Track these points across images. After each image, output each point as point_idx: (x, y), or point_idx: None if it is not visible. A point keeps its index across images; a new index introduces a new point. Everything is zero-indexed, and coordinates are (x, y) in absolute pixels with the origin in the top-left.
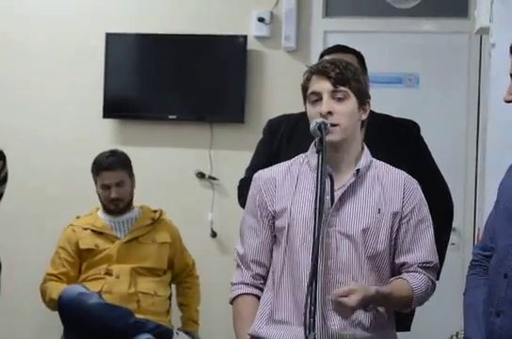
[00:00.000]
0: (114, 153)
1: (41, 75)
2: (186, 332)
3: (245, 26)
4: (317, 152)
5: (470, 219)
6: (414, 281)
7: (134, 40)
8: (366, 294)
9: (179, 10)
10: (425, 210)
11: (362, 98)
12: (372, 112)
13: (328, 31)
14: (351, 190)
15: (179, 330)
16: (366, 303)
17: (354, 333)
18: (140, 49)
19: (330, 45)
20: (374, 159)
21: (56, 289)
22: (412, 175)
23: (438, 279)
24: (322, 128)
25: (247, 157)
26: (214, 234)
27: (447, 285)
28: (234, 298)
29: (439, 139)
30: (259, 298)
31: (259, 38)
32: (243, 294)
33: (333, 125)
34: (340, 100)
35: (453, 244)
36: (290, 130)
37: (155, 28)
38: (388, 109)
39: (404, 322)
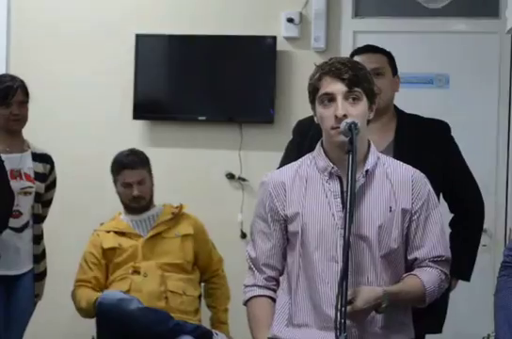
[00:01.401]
0: (133, 151)
1: (72, 77)
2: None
3: (274, 27)
4: (347, 152)
5: (501, 221)
6: (425, 276)
7: (164, 42)
8: (371, 294)
9: (208, 11)
10: (434, 204)
11: (372, 98)
12: (402, 112)
13: (358, 31)
14: (361, 191)
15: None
16: (374, 304)
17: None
18: (170, 50)
19: (360, 46)
20: (380, 155)
21: (85, 297)
22: (443, 176)
23: (469, 279)
24: (352, 128)
25: (276, 158)
26: (243, 235)
27: (478, 287)
28: (248, 301)
29: (469, 140)
30: (272, 299)
31: (288, 38)
32: (256, 296)
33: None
34: (353, 101)
35: (484, 245)
36: (319, 131)
37: (185, 29)
38: (418, 110)
39: (436, 324)
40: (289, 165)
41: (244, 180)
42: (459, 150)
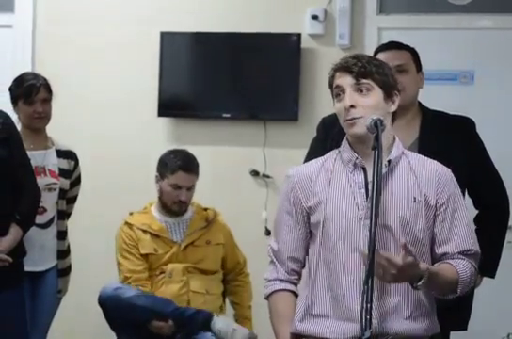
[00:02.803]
0: (190, 156)
1: (98, 75)
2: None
3: (299, 24)
4: (373, 148)
5: None
6: (459, 265)
7: (188, 39)
8: (417, 264)
9: (233, 9)
10: (460, 198)
11: (389, 90)
12: (426, 109)
13: (383, 28)
14: (384, 182)
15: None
16: (414, 276)
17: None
18: (195, 48)
19: (384, 42)
20: (406, 150)
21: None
22: (468, 173)
23: (493, 276)
24: (378, 125)
25: (300, 155)
26: (268, 232)
27: (503, 284)
28: (270, 295)
29: (494, 136)
30: (294, 293)
31: (313, 35)
32: (278, 290)
33: (357, 118)
34: (363, 92)
35: (509, 242)
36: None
37: (209, 27)
38: (443, 106)
39: (461, 322)
40: (315, 159)
41: (268, 177)
42: (484, 146)
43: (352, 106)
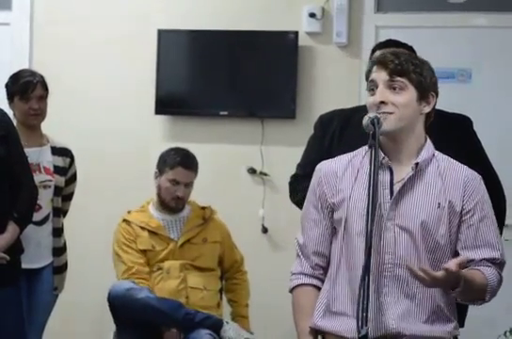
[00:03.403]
0: (190, 154)
1: (95, 73)
2: None
3: (296, 22)
4: (369, 146)
5: None
6: (487, 272)
7: (185, 37)
8: (456, 273)
9: (230, 6)
10: (489, 205)
11: (424, 91)
12: None
13: (380, 26)
14: (410, 184)
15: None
16: (455, 282)
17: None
18: (192, 45)
19: (382, 40)
20: (437, 153)
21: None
22: None
23: None
24: (375, 122)
25: (298, 153)
26: (265, 230)
27: (503, 282)
28: (294, 289)
29: (491, 135)
30: (318, 288)
31: (310, 33)
32: (302, 284)
33: (387, 113)
34: (395, 90)
35: (507, 240)
36: (342, 126)
37: (207, 25)
38: (440, 104)
39: (458, 319)
40: (344, 155)
41: (265, 175)
42: (481, 145)
43: (382, 102)
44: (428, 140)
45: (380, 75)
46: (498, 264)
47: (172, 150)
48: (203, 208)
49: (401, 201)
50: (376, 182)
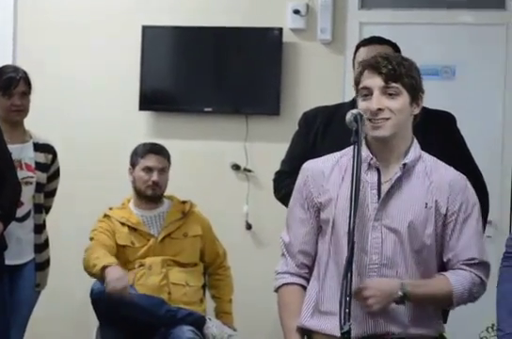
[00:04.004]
0: (159, 144)
1: (78, 69)
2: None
3: (280, 19)
4: (353, 143)
5: (506, 212)
6: (454, 277)
7: (170, 33)
8: (382, 282)
9: (214, 3)
10: (474, 208)
11: (415, 93)
12: None
13: (364, 23)
14: (398, 184)
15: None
16: (389, 292)
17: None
18: (176, 42)
19: (366, 37)
20: (423, 153)
21: (99, 260)
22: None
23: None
24: (358, 119)
25: (282, 150)
26: (249, 227)
27: None
28: (279, 288)
29: (475, 131)
30: (303, 287)
31: (294, 30)
32: (287, 283)
33: (384, 119)
34: (391, 96)
35: (489, 237)
36: (325, 122)
37: (191, 21)
38: (424, 101)
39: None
40: (331, 154)
41: (249, 171)
42: (464, 141)
43: (379, 109)
44: (415, 141)
45: (375, 82)
46: (475, 264)
47: (140, 144)
48: (184, 202)
49: (389, 201)
50: (358, 178)
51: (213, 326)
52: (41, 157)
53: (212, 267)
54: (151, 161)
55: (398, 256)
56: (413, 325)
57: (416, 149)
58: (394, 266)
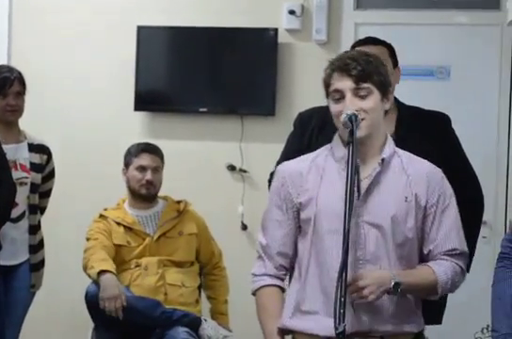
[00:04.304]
0: (153, 144)
1: (74, 69)
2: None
3: (275, 19)
4: (347, 143)
5: (501, 213)
6: (437, 266)
7: (165, 33)
8: (375, 272)
9: (210, 3)
10: (451, 199)
11: (385, 89)
12: (402, 105)
13: (359, 23)
14: (377, 180)
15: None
16: (382, 282)
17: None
18: (171, 42)
19: (361, 38)
20: (397, 148)
21: (97, 263)
22: (443, 168)
23: (468, 270)
24: (353, 120)
25: (277, 150)
26: (244, 227)
27: (478, 279)
28: (257, 290)
29: (470, 132)
30: (282, 289)
31: (290, 30)
32: (266, 285)
33: (359, 121)
34: (363, 97)
35: (484, 237)
36: (321, 123)
37: (186, 21)
38: (419, 102)
39: (435, 316)
40: (306, 155)
41: (245, 172)
42: (459, 142)
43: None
44: (389, 136)
45: (346, 84)
46: (457, 255)
47: (134, 144)
48: (178, 202)
49: (369, 197)
50: (353, 179)
51: (208, 327)
52: (36, 158)
53: (207, 267)
54: (144, 160)
55: (381, 251)
56: (396, 322)
57: (391, 144)
58: (378, 261)
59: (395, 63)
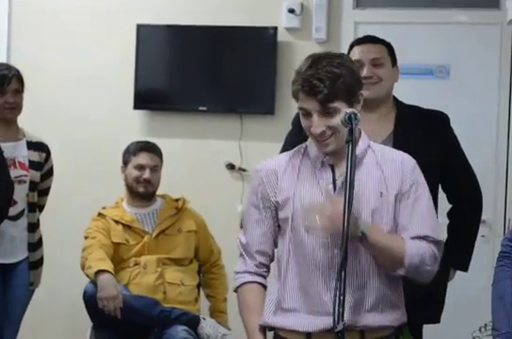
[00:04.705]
0: (152, 142)
1: (73, 67)
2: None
3: (275, 18)
4: (347, 142)
5: (500, 212)
6: (410, 240)
7: (165, 32)
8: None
9: (209, 2)
10: (423, 187)
11: (354, 96)
12: (401, 104)
13: (359, 22)
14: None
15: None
16: (353, 225)
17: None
18: (171, 40)
19: (360, 36)
20: (372, 143)
21: (95, 262)
22: (442, 167)
23: (466, 270)
24: (352, 118)
25: (277, 149)
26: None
27: (478, 278)
28: (239, 287)
29: (469, 131)
30: (263, 285)
31: (289, 29)
32: (247, 282)
33: (328, 137)
34: (330, 114)
35: (483, 236)
36: None
37: (186, 20)
38: (418, 100)
39: (434, 314)
40: (282, 154)
41: (244, 170)
42: (458, 141)
43: (323, 131)
44: (362, 132)
45: (312, 105)
46: (431, 242)
47: (133, 142)
48: (177, 200)
49: (352, 201)
50: (352, 178)
51: (207, 325)
52: (35, 156)
53: (206, 265)
54: (143, 159)
55: (359, 247)
56: (377, 316)
57: (365, 140)
58: (357, 257)
59: (394, 61)
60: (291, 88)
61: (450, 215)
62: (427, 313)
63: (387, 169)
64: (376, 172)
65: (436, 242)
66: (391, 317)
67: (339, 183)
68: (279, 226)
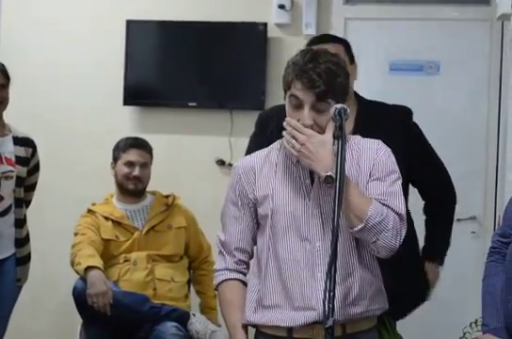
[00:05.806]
0: (141, 138)
1: (62, 63)
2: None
3: (265, 13)
4: (336, 138)
5: (490, 208)
6: (377, 203)
7: (154, 28)
8: (320, 153)
9: None
10: (395, 175)
11: (343, 96)
12: (363, 99)
13: (349, 18)
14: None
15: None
16: (316, 162)
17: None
18: (161, 36)
19: (351, 32)
20: (350, 136)
21: (84, 259)
22: (410, 163)
23: (442, 263)
24: (342, 113)
25: None
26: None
27: (468, 274)
28: (219, 284)
29: (459, 127)
30: (243, 282)
31: (279, 25)
32: (227, 279)
33: None
34: (321, 111)
35: (473, 232)
36: (281, 124)
37: (176, 15)
38: (408, 97)
39: (420, 294)
40: (259, 150)
41: None
42: (423, 135)
43: (311, 125)
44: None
45: (308, 97)
46: (397, 213)
47: (123, 138)
48: (167, 196)
49: (322, 188)
50: (342, 174)
51: (197, 322)
52: (21, 151)
53: (196, 262)
54: (132, 156)
55: (340, 239)
56: (362, 302)
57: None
58: (341, 248)
59: (352, 59)
60: (283, 74)
61: (424, 211)
62: (413, 293)
63: (361, 163)
64: (353, 167)
65: (400, 216)
66: (374, 307)
67: (316, 176)
68: (258, 223)
